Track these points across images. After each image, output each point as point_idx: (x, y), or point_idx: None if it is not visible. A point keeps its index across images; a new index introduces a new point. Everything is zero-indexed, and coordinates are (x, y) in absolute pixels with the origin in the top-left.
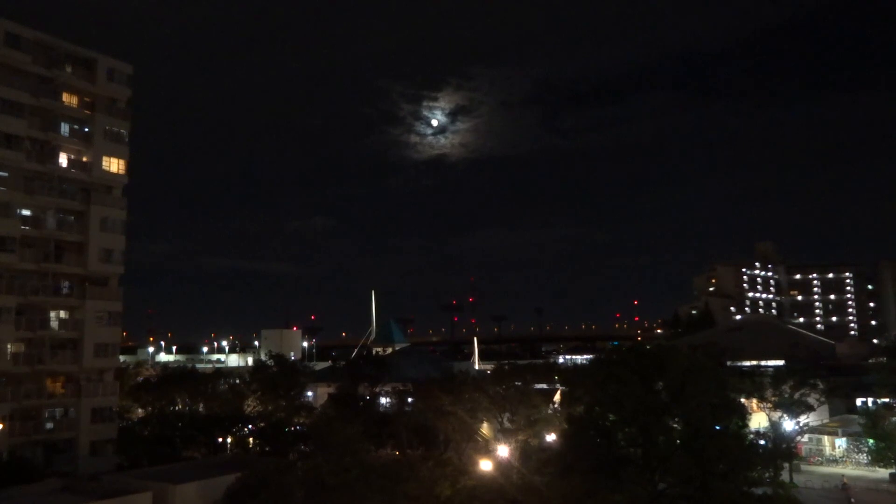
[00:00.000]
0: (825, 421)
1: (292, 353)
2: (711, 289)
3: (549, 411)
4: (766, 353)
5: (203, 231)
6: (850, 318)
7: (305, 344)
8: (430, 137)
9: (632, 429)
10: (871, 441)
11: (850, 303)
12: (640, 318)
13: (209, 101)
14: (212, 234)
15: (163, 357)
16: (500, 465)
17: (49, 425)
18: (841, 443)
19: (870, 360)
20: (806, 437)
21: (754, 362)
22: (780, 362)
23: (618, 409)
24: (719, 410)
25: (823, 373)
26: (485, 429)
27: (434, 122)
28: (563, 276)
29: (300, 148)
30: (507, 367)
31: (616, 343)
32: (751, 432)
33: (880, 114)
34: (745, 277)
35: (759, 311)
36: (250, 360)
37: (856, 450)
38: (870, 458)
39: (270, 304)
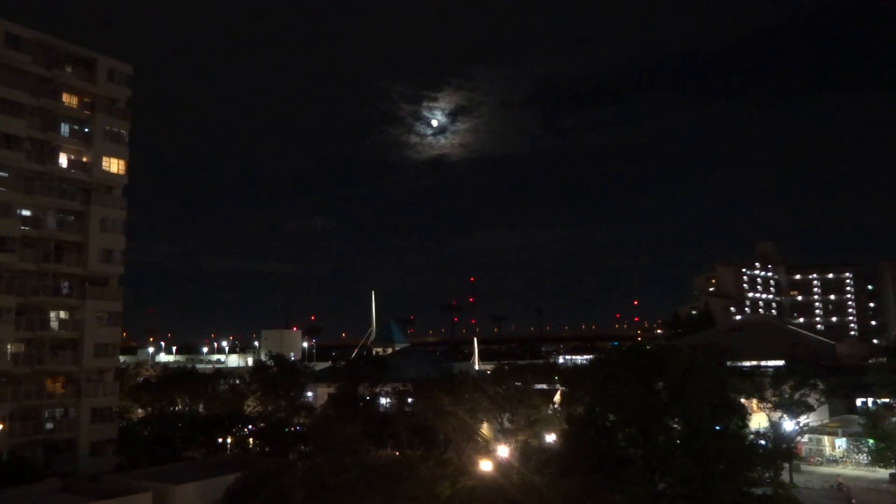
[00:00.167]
0: (825, 421)
1: (292, 354)
2: (711, 289)
3: (549, 411)
4: (766, 353)
5: (203, 231)
6: (850, 318)
7: (305, 344)
8: (430, 137)
9: (632, 429)
10: (871, 441)
11: (850, 303)
12: (640, 318)
13: (209, 102)
14: (212, 234)
15: (163, 357)
16: (500, 466)
17: (49, 425)
18: (841, 443)
19: (870, 361)
20: (806, 438)
21: (754, 362)
22: (780, 362)
23: (618, 410)
24: (719, 410)
25: (823, 373)
26: (485, 429)
27: (434, 123)
28: (563, 276)
29: (300, 148)
30: (507, 367)
31: (616, 343)
32: (751, 432)
33: (880, 114)
34: (745, 277)
35: (759, 312)
36: (250, 361)
37: (856, 450)
38: (870, 458)
39: (270, 304)
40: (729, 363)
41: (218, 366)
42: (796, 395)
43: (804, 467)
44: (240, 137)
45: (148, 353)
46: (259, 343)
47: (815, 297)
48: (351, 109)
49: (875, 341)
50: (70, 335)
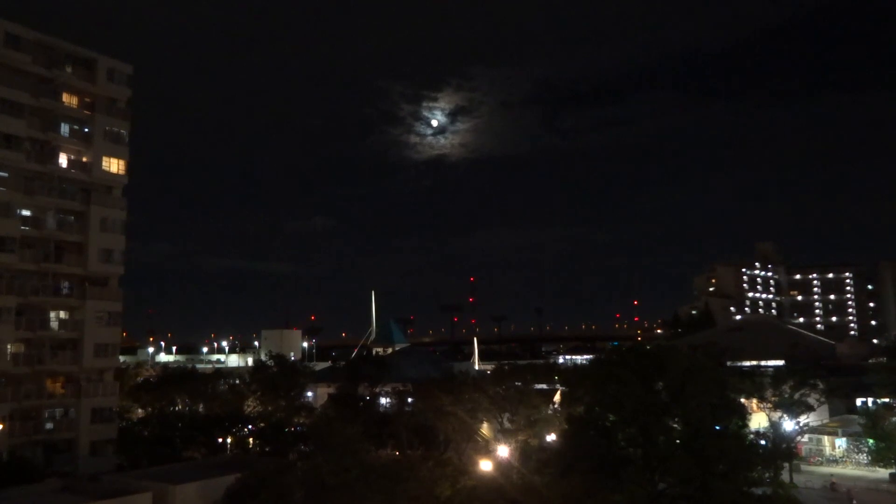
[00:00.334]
0: (825, 421)
1: (292, 354)
2: (711, 289)
3: (549, 411)
4: (766, 353)
5: (203, 231)
6: (850, 318)
7: (305, 344)
8: (429, 137)
9: (632, 429)
10: (871, 441)
11: (850, 303)
12: (640, 318)
13: (209, 101)
14: (212, 234)
15: (163, 357)
16: (500, 466)
17: (49, 425)
18: (841, 443)
19: (870, 361)
20: (806, 438)
21: (754, 362)
22: (780, 362)
23: (618, 410)
24: (719, 410)
25: (823, 373)
26: (485, 429)
27: (434, 123)
28: (563, 276)
29: (300, 148)
30: (506, 367)
31: (616, 343)
32: (751, 432)
33: (880, 114)
34: (745, 277)
35: (759, 312)
36: (250, 361)
37: (856, 450)
38: (870, 458)
39: (270, 304)
40: (729, 363)
41: (218, 366)
42: (796, 395)
43: (804, 467)
44: (240, 137)
45: (148, 353)
46: (259, 343)
47: (815, 297)
48: (351, 109)
49: (875, 341)
50: (70, 335)
